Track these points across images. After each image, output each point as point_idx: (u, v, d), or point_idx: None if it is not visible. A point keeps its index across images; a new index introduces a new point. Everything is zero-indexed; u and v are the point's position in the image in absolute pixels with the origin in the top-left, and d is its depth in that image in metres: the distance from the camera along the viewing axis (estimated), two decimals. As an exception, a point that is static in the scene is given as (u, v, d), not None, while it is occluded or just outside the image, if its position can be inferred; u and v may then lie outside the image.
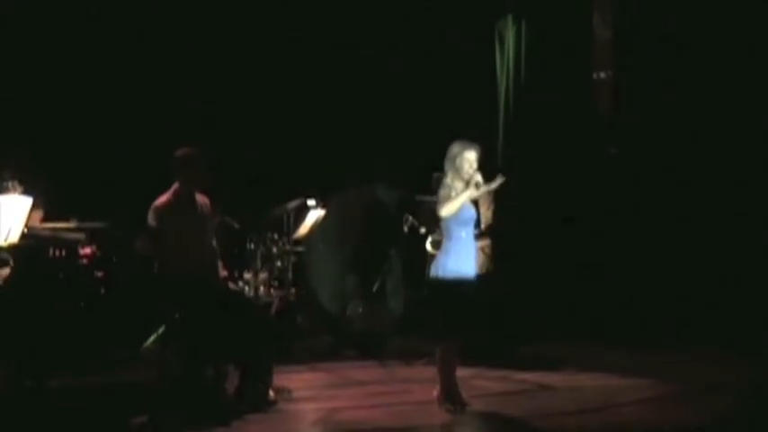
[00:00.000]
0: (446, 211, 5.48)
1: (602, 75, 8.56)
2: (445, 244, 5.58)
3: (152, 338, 6.33)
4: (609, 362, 7.12)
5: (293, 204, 7.71)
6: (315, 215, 8.07)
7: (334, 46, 8.82)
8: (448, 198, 5.50)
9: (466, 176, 5.51)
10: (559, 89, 8.45)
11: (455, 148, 5.60)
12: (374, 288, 8.12)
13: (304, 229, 8.10)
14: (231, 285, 6.43)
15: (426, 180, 7.18)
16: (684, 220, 8.01)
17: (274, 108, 8.73)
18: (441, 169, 7.48)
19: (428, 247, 7.56)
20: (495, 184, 5.56)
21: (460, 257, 5.51)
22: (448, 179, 5.58)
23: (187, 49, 8.28)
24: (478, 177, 5.50)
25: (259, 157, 8.55)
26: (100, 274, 6.61)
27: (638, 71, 8.30)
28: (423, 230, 7.48)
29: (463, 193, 5.49)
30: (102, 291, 6.60)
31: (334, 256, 8.83)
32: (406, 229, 7.67)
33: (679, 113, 8.09)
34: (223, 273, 6.10)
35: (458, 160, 5.55)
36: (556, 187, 8.28)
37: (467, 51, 8.72)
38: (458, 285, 5.46)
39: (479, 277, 5.54)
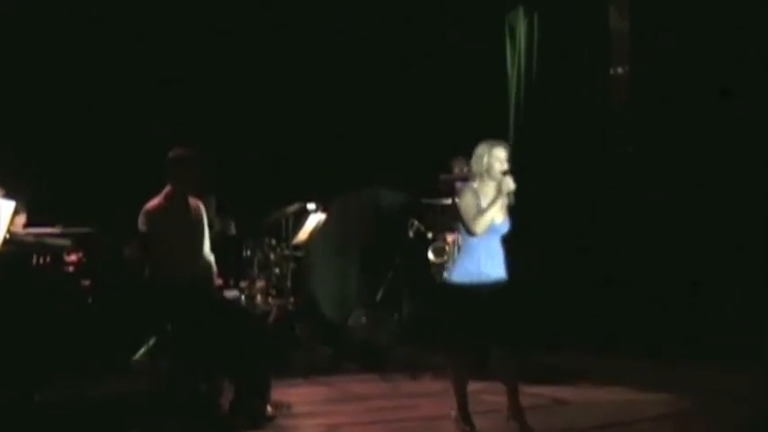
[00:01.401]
0: (480, 226, 5.24)
1: (620, 70, 8.55)
2: (464, 246, 5.42)
3: (142, 351, 6.30)
4: (626, 375, 7.10)
5: (292, 208, 7.71)
6: (315, 220, 8.06)
7: (335, 43, 8.82)
8: (473, 207, 5.28)
9: (497, 177, 5.30)
10: (573, 85, 8.45)
11: (481, 147, 5.39)
12: (378, 296, 8.12)
13: (303, 234, 8.09)
14: (226, 294, 6.43)
15: (432, 182, 7.19)
16: (704, 225, 7.99)
17: (273, 107, 8.78)
18: (447, 171, 7.53)
19: (430, 255, 7.55)
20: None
21: (480, 260, 5.33)
22: (475, 184, 5.37)
23: (182, 47, 8.30)
24: (510, 183, 5.28)
25: (257, 158, 8.56)
26: (87, 282, 6.60)
27: (656, 66, 8.29)
28: (429, 235, 7.48)
29: (494, 202, 5.27)
30: (90, 300, 6.59)
31: (335, 263, 8.82)
32: (411, 234, 7.67)
33: (699, 111, 8.07)
34: (218, 281, 6.11)
35: (486, 159, 5.33)
36: (568, 189, 8.26)
37: (475, 45, 8.71)
38: (474, 291, 5.32)
39: (500, 284, 5.40)
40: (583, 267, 8.25)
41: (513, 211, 5.39)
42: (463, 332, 5.38)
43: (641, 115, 8.39)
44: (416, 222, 7.57)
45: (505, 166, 5.32)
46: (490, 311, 5.28)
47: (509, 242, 5.41)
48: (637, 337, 7.92)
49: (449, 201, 6.91)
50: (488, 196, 5.33)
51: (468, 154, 7.56)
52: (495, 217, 5.31)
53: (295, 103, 8.77)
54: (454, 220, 5.61)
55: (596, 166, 8.44)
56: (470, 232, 5.30)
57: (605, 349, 7.85)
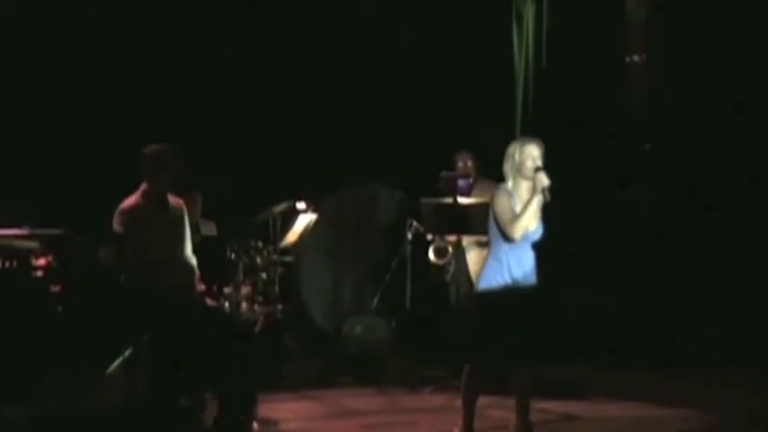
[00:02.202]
0: (518, 231, 5.24)
1: (636, 58, 8.54)
2: (493, 251, 5.42)
3: (117, 362, 6.31)
4: (641, 388, 7.10)
5: (280, 208, 7.69)
6: (305, 220, 8.04)
7: (329, 30, 8.82)
8: (509, 211, 5.29)
9: (529, 176, 5.29)
10: (585, 75, 8.45)
11: (512, 145, 5.40)
12: (374, 303, 8.11)
13: (293, 235, 8.07)
14: (209, 301, 6.42)
15: (433, 179, 7.17)
16: (727, 229, 8.00)
17: (258, 98, 8.74)
18: (451, 167, 7.52)
19: (431, 255, 7.54)
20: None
21: (510, 268, 5.35)
22: (509, 185, 5.37)
23: (160, 36, 8.29)
24: (544, 179, 5.26)
25: (242, 154, 8.55)
26: (57, 288, 6.59)
27: (676, 55, 8.31)
28: (429, 237, 7.47)
29: (529, 204, 5.26)
30: (60, 308, 6.58)
31: (327, 267, 8.83)
32: (409, 235, 7.66)
33: (722, 104, 8.08)
34: (200, 286, 6.10)
35: (518, 156, 5.33)
36: (580, 189, 8.24)
37: (479, 32, 8.71)
38: (502, 300, 5.34)
39: (530, 293, 5.39)
40: (594, 274, 8.24)
41: (545, 216, 5.40)
42: (487, 343, 5.39)
43: (659, 108, 8.39)
44: (415, 223, 7.56)
45: (538, 163, 5.32)
46: (518, 322, 5.31)
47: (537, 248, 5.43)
48: (651, 349, 7.94)
49: (449, 200, 6.91)
50: (522, 198, 5.34)
51: (471, 148, 7.67)
52: (530, 222, 5.32)
53: (283, 93, 8.75)
54: (481, 222, 5.61)
55: (610, 164, 8.44)
56: (506, 238, 5.31)
57: (618, 362, 7.86)
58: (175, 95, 8.29)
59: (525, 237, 5.33)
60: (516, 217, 5.26)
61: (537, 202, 5.29)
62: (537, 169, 5.30)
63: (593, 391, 7.07)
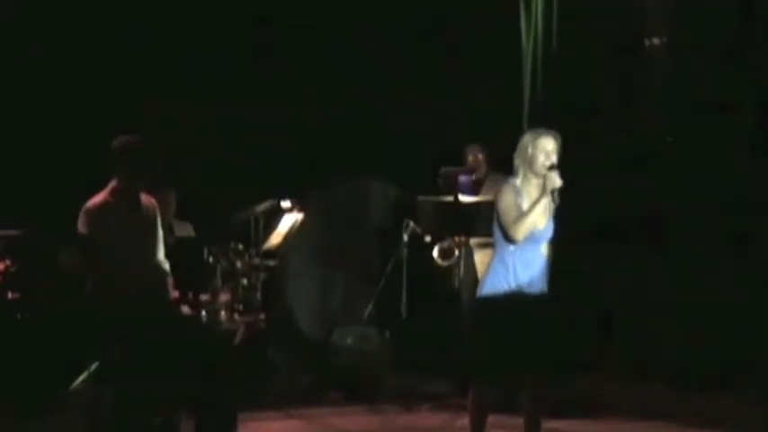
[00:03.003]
0: (521, 231, 5.25)
1: (656, 41, 8.55)
2: (498, 253, 5.45)
3: (82, 377, 6.27)
4: (662, 406, 7.15)
5: (263, 206, 7.68)
6: (291, 220, 8.03)
7: (316, 9, 8.85)
8: (514, 208, 5.31)
9: (541, 171, 5.30)
10: (600, 60, 8.45)
11: (526, 137, 5.41)
12: (366, 312, 8.11)
13: (277, 237, 8.06)
14: (184, 309, 6.42)
15: (431, 176, 7.18)
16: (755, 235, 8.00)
17: (241, 85, 8.75)
18: (450, 162, 7.53)
19: (435, 256, 7.55)
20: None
21: (516, 271, 5.36)
22: (517, 180, 5.39)
23: (127, 17, 8.29)
24: (555, 179, 5.27)
25: (220, 146, 8.56)
26: (15, 295, 6.58)
27: (699, 37, 8.31)
28: (427, 239, 7.47)
29: (536, 203, 5.26)
30: (19, 316, 6.57)
31: (315, 272, 8.82)
32: (405, 237, 7.67)
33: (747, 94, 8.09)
34: (174, 294, 6.10)
35: (530, 149, 5.33)
36: (593, 187, 8.24)
37: (483, 16, 8.72)
38: (507, 308, 5.35)
39: (540, 300, 5.41)
40: (609, 282, 8.25)
41: (557, 215, 5.41)
42: (489, 355, 5.39)
43: (682, 97, 8.38)
44: (412, 223, 7.56)
45: (552, 160, 5.31)
46: (526, 332, 5.31)
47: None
48: (673, 363, 7.97)
49: (449, 198, 6.92)
50: (531, 195, 5.35)
51: (482, 141, 7.68)
52: (538, 221, 5.32)
53: (266, 78, 8.76)
54: (485, 223, 5.61)
55: (629, 160, 8.43)
56: (508, 238, 5.32)
57: (636, 376, 7.89)
58: (146, 82, 8.29)
59: (533, 237, 5.33)
60: (521, 216, 5.27)
61: (545, 202, 5.29)
62: (550, 167, 5.30)
63: (609, 408, 7.12)
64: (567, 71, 8.52)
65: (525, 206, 5.31)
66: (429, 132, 8.62)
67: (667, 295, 8.10)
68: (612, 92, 8.50)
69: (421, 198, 7.03)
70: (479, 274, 6.97)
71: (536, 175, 5.34)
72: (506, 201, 5.34)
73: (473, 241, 7.27)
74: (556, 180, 5.27)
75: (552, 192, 5.27)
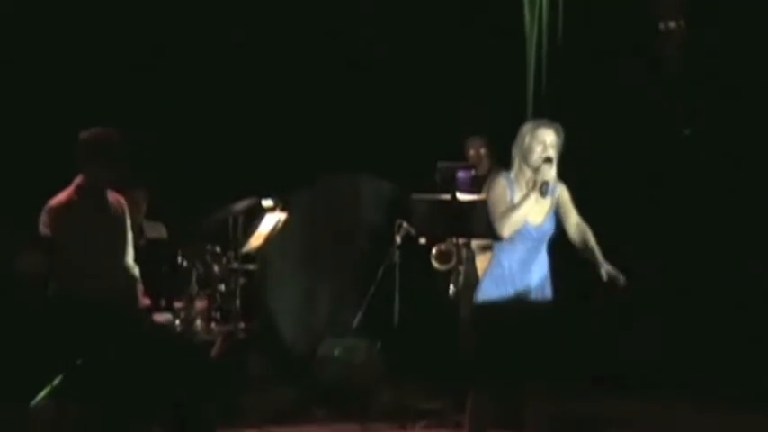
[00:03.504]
0: (507, 227, 5.31)
1: (672, 24, 8.55)
2: (494, 254, 5.50)
3: (44, 392, 6.25)
4: (680, 424, 7.19)
5: (242, 205, 7.65)
6: (272, 220, 8.01)
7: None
8: (503, 202, 5.38)
9: (536, 164, 5.36)
10: (610, 47, 8.46)
11: (525, 126, 5.49)
12: (355, 321, 8.09)
13: (257, 239, 8.04)
14: (156, 318, 6.41)
15: (427, 172, 7.16)
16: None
17: (218, 73, 8.76)
18: (448, 157, 7.51)
19: (432, 260, 7.54)
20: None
21: (513, 273, 5.43)
22: (512, 173, 5.47)
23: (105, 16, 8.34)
24: (547, 171, 5.32)
25: (196, 140, 8.58)
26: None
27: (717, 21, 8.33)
28: (422, 241, 7.45)
29: (526, 197, 5.32)
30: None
31: (299, 278, 8.81)
32: (398, 239, 7.65)
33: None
34: (145, 300, 6.10)
35: (527, 140, 5.42)
36: (604, 184, 8.25)
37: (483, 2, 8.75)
38: (504, 313, 5.39)
39: (539, 305, 5.45)
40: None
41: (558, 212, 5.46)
42: (491, 367, 5.41)
43: (700, 85, 8.40)
44: (405, 224, 7.55)
45: (549, 153, 5.37)
46: (524, 340, 5.33)
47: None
48: (693, 378, 7.97)
49: (447, 196, 6.88)
50: (524, 189, 5.41)
51: (485, 134, 7.66)
52: (531, 217, 5.37)
53: (246, 65, 8.77)
54: (485, 224, 5.56)
55: (642, 154, 8.44)
56: (495, 234, 5.35)
57: (653, 393, 7.88)
58: (115, 70, 8.32)
59: (528, 235, 5.39)
60: (508, 210, 5.32)
61: (533, 202, 5.33)
62: (545, 160, 5.34)
63: (623, 426, 7.16)
64: (573, 60, 8.52)
65: (517, 200, 5.36)
66: (425, 125, 8.59)
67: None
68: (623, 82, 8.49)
69: (415, 196, 6.96)
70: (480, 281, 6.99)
71: (531, 167, 5.39)
72: (495, 194, 5.42)
73: (474, 244, 7.24)
74: (547, 173, 5.31)
75: (542, 185, 5.30)
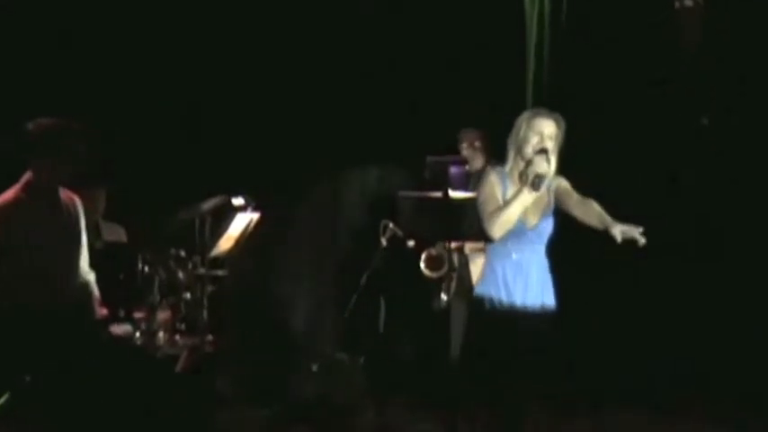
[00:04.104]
0: (497, 226, 5.32)
1: (688, 2, 8.56)
2: (488, 256, 5.53)
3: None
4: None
5: (210, 204, 7.65)
6: (244, 220, 8.01)
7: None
8: (493, 199, 5.41)
9: (528, 156, 5.37)
10: (620, 26, 8.46)
11: (523, 115, 5.51)
12: (336, 333, 8.09)
13: (227, 241, 8.04)
14: (114, 329, 6.40)
15: (416, 167, 7.16)
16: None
17: (185, 59, 8.78)
18: (440, 151, 7.50)
19: (422, 266, 7.53)
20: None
21: (507, 278, 5.44)
22: (506, 167, 5.51)
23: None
24: (540, 164, 5.32)
25: (160, 133, 8.60)
26: None
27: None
28: (411, 244, 7.45)
29: (518, 193, 5.32)
30: None
31: (273, 285, 8.78)
32: (384, 241, 7.64)
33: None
34: (101, 310, 6.09)
35: (523, 130, 5.44)
36: (614, 179, 8.25)
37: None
38: (499, 321, 5.41)
39: (538, 314, 5.45)
40: (635, 295, 8.27)
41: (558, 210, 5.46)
42: (483, 383, 5.44)
43: (720, 68, 8.41)
44: (391, 225, 7.54)
45: (546, 145, 5.37)
46: (521, 350, 5.34)
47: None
48: (711, 391, 8.01)
49: (437, 193, 6.87)
50: (518, 185, 5.41)
51: (480, 125, 7.66)
52: (526, 216, 5.38)
53: (215, 51, 8.79)
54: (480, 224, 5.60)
55: (655, 145, 8.45)
56: (485, 235, 5.36)
57: (667, 407, 7.90)
58: (66, 53, 8.34)
59: (523, 236, 5.41)
60: (498, 209, 5.32)
61: (525, 198, 5.31)
62: (539, 151, 5.35)
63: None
64: (578, 41, 8.54)
65: (510, 197, 5.37)
66: (415, 116, 8.60)
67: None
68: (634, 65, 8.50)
69: (402, 193, 6.95)
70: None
71: (525, 159, 5.41)
72: (486, 190, 5.45)
73: (469, 247, 7.24)
74: (540, 165, 5.31)
75: (534, 179, 5.29)
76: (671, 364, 8.16)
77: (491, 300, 5.41)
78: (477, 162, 7.76)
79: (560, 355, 5.50)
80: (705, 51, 8.50)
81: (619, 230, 5.15)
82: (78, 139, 5.83)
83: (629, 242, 5.13)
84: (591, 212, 5.35)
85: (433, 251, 7.62)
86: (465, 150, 7.77)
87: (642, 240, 5.10)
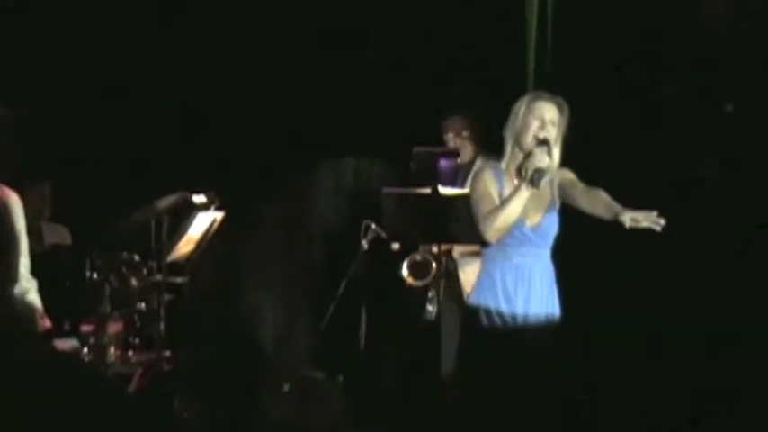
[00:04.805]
0: (494, 228, 5.37)
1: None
2: (484, 261, 5.56)
3: None
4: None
5: (167, 202, 7.62)
6: (206, 220, 8.00)
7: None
8: (488, 198, 5.44)
9: (528, 147, 5.38)
10: (629, 14, 8.46)
11: (521, 100, 5.53)
12: (310, 348, 8.07)
13: (187, 244, 8.04)
14: (58, 344, 6.35)
15: (401, 159, 7.12)
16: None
17: (141, 38, 8.82)
18: (437, 139, 7.49)
19: (404, 273, 7.51)
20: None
21: (506, 285, 5.46)
22: (503, 161, 5.54)
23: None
24: (540, 157, 5.34)
25: (111, 123, 8.63)
26: None
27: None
28: (395, 246, 7.42)
29: (517, 191, 5.34)
30: None
31: (239, 294, 8.75)
32: (365, 244, 7.63)
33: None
34: (44, 323, 6.05)
35: (521, 116, 5.46)
36: (624, 173, 8.25)
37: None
38: (498, 334, 5.45)
39: (542, 325, 5.49)
40: (641, 303, 8.24)
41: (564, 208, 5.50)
42: (477, 406, 5.47)
43: (746, 50, 8.40)
44: (373, 225, 7.52)
45: (548, 132, 5.38)
46: (524, 366, 5.39)
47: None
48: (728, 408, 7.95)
49: (426, 189, 6.86)
50: (514, 175, 5.47)
51: (468, 112, 7.65)
52: (526, 213, 5.39)
53: (173, 31, 8.81)
54: (474, 224, 5.64)
55: (674, 135, 8.43)
56: (480, 237, 5.41)
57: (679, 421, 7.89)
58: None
59: (523, 238, 5.45)
60: (495, 209, 5.35)
61: (525, 195, 5.33)
62: (540, 142, 5.36)
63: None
64: (584, 21, 8.54)
65: (507, 194, 5.40)
66: (400, 103, 8.59)
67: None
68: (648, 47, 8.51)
69: (386, 190, 6.94)
70: (467, 297, 6.98)
71: (524, 150, 5.44)
72: (480, 188, 5.50)
73: (458, 251, 7.22)
74: (540, 159, 5.33)
75: (533, 175, 5.30)
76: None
77: (488, 310, 5.42)
78: (467, 154, 7.73)
79: (567, 374, 5.49)
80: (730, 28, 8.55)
81: (629, 217, 5.22)
82: (9, 127, 5.79)
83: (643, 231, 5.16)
84: (598, 202, 5.40)
85: (418, 256, 7.59)
86: (451, 141, 7.75)
87: (661, 223, 5.11)
